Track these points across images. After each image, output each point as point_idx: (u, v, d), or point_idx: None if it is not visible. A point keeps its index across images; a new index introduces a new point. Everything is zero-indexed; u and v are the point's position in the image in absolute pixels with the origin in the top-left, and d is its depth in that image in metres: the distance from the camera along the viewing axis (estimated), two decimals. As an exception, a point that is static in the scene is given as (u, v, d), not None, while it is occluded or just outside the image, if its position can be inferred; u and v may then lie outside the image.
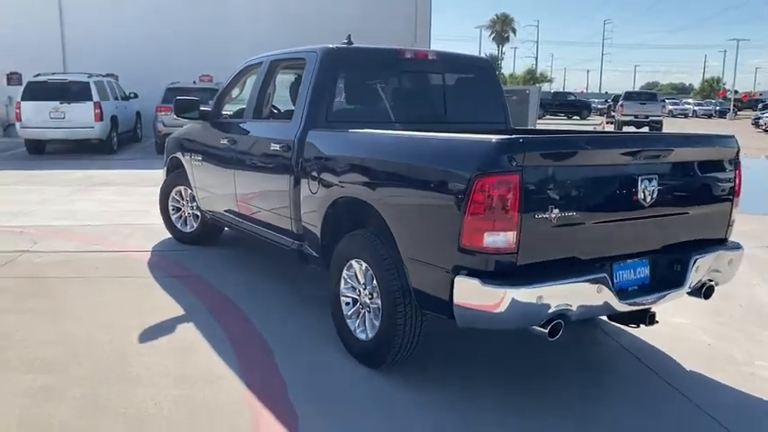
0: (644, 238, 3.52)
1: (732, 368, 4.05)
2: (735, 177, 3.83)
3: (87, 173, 12.49)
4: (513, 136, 3.04)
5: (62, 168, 13.11)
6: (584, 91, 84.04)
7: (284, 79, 5.49)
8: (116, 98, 16.53)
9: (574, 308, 3.14)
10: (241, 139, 5.30)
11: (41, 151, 15.59)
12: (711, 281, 3.77)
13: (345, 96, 4.73)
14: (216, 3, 20.65)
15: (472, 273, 3.07)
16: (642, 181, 3.33)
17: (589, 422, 3.36)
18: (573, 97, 45.67)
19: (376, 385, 3.69)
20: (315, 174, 4.23)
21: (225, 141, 5.50)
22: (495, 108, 5.26)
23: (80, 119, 14.86)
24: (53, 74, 15.80)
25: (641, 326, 3.79)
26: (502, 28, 75.64)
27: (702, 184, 3.73)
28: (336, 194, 4.02)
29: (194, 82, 17.10)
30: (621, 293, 3.39)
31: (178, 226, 6.81)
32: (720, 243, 3.87)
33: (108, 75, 18.15)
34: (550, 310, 3.07)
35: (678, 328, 4.71)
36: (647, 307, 3.55)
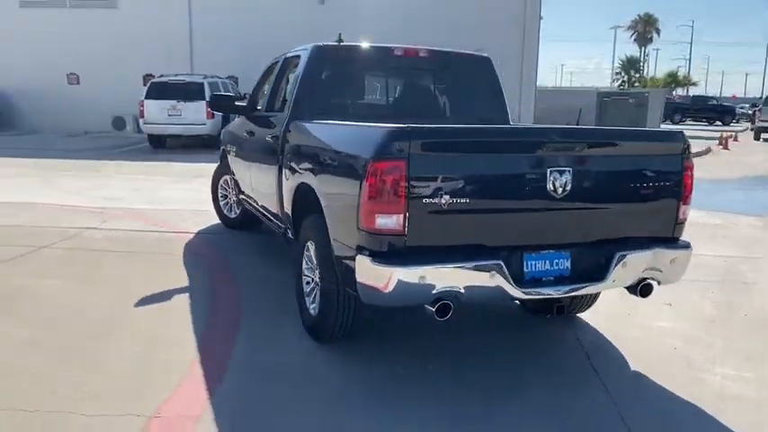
0: (561, 230, 3.54)
1: (683, 372, 3.92)
2: (682, 175, 3.72)
3: (192, 165, 13.61)
4: (403, 125, 3.21)
5: (172, 161, 14.39)
6: (737, 96, 77.79)
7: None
8: (229, 98, 17.76)
9: (461, 290, 3.25)
10: (256, 130, 5.77)
11: (162, 145, 17.16)
12: (650, 279, 3.70)
13: (332, 91, 5.04)
14: (335, 6, 21.55)
15: (370, 253, 3.29)
16: (552, 173, 3.36)
17: (500, 406, 3.43)
18: (714, 102, 42.65)
19: (310, 356, 3.99)
20: (287, 161, 4.59)
21: (245, 134, 6.00)
22: (493, 104, 5.34)
23: (193, 116, 16.21)
24: (176, 75, 17.31)
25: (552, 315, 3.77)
26: (644, 29, 71.89)
27: (637, 180, 3.66)
28: (298, 180, 4.35)
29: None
30: (531, 282, 3.46)
31: (224, 212, 7.44)
32: (665, 241, 3.77)
33: (229, 77, 19.61)
34: (434, 291, 3.21)
35: (655, 331, 4.59)
36: (554, 297, 3.56)
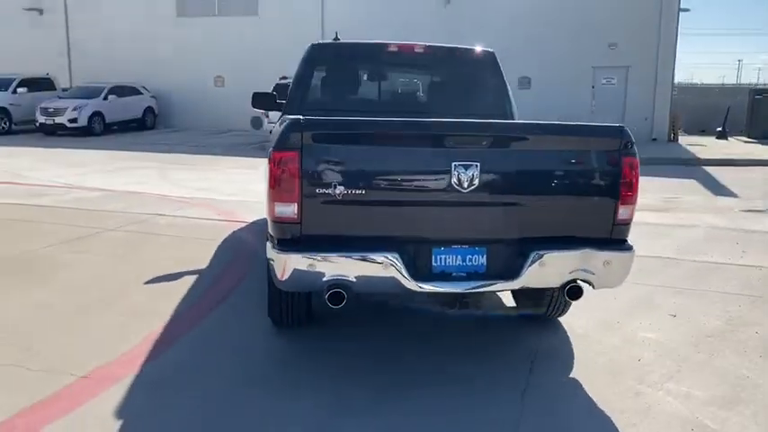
0: (473, 225, 3.46)
1: (625, 385, 3.65)
2: (620, 173, 3.48)
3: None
4: (298, 117, 3.32)
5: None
6: None
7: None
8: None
9: (352, 279, 3.31)
10: (280, 126, 6.10)
11: (286, 143, 18.13)
12: (579, 281, 3.51)
13: (324, 88, 5.21)
14: (461, 6, 21.56)
15: (276, 240, 3.45)
16: (456, 167, 3.31)
17: (390, 403, 3.43)
18: None
19: (262, 340, 4.23)
20: (271, 154, 4.84)
21: (275, 129, 6.35)
22: (495, 100, 5.23)
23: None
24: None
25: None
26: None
27: (561, 176, 3.48)
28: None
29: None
30: (439, 276, 3.43)
31: (280, 204, 7.86)
32: (601, 243, 3.55)
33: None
34: (325, 279, 3.30)
35: (636, 342, 4.28)
36: (454, 293, 3.48)
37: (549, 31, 19.98)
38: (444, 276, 3.46)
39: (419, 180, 3.38)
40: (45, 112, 19.68)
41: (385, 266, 3.30)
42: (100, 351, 3.94)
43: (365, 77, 5.33)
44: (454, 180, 3.32)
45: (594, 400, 3.49)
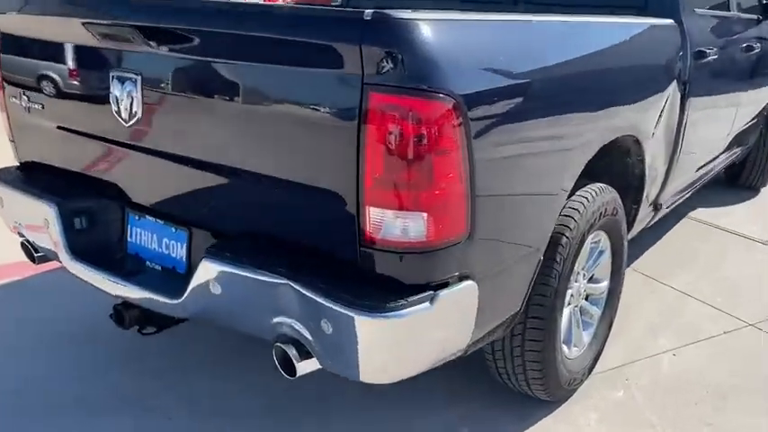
0: (161, 188, 1.98)
1: None
2: (362, 126, 1.44)
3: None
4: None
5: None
6: None
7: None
8: None
9: (23, 226, 2.32)
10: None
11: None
12: (290, 340, 1.65)
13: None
14: None
15: None
16: (113, 81, 1.90)
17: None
18: None
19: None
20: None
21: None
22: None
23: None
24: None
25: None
26: None
27: (276, 117, 1.63)
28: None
29: None
30: (134, 260, 2.12)
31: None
32: (334, 274, 1.58)
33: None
34: (11, 223, 2.40)
35: None
36: (111, 294, 2.02)
37: None
38: (138, 262, 2.11)
39: (83, 97, 2.09)
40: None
41: (45, 222, 2.18)
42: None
43: None
44: (113, 104, 1.93)
45: None
